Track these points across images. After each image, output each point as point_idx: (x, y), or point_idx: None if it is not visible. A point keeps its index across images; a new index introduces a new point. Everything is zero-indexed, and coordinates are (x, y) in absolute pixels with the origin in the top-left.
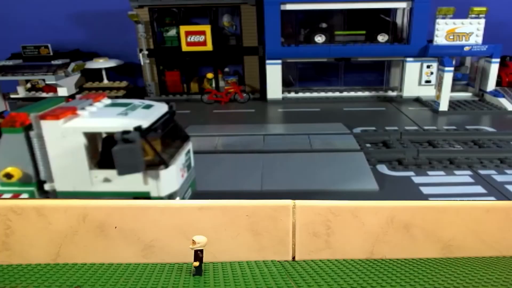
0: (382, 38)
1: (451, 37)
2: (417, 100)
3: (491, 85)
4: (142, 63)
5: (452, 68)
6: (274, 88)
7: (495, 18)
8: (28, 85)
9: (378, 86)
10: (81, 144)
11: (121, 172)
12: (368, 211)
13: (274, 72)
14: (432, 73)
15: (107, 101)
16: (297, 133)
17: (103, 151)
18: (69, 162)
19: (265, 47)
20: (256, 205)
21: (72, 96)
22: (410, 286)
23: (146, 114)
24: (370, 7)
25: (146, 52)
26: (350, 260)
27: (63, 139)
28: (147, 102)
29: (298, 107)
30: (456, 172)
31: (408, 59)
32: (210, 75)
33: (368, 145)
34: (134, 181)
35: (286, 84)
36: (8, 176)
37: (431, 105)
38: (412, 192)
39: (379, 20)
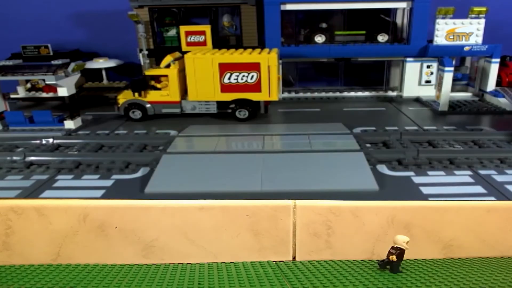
0: (382, 38)
1: (451, 37)
2: (417, 100)
3: (491, 85)
4: (142, 63)
5: (452, 68)
6: None
7: (495, 18)
8: (28, 85)
9: (378, 86)
10: None
11: None
12: (369, 211)
13: None
14: (432, 73)
15: None
16: (297, 133)
17: None
18: None
19: (265, 47)
20: (257, 205)
21: (72, 96)
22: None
23: None
24: (370, 7)
25: (146, 52)
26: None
27: None
28: None
29: (298, 107)
30: (456, 172)
31: (408, 59)
32: None
33: (368, 145)
34: None
35: (286, 84)
36: None
37: (431, 105)
38: (412, 192)
39: (379, 20)
